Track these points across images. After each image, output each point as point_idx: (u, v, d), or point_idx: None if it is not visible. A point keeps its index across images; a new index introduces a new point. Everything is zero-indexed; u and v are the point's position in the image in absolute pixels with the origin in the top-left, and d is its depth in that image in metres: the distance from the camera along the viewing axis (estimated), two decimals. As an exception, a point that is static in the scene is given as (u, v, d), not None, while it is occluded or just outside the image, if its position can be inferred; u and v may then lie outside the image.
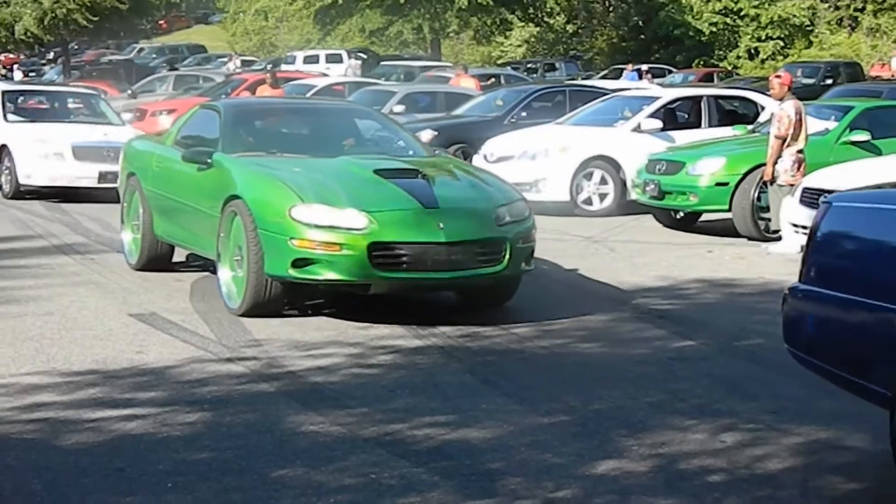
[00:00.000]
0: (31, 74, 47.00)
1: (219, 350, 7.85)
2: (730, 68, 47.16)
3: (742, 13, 49.68)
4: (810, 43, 49.80)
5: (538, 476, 5.49)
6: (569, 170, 15.73)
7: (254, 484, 5.34)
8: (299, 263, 8.41)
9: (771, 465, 5.74)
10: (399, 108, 20.08)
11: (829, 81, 34.79)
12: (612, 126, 16.47)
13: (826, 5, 50.16)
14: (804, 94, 18.02)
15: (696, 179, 13.77)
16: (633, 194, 15.07)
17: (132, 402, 6.62)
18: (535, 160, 15.80)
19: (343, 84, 26.76)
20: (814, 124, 13.53)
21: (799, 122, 12.53)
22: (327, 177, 8.92)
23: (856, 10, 49.54)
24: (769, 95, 14.64)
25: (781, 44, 49.65)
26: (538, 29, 55.88)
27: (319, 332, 8.42)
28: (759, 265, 11.81)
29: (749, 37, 49.83)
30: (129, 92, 30.54)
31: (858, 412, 6.65)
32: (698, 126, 16.64)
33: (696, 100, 17.15)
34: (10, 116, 17.76)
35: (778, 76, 13.26)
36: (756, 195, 13.35)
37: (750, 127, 15.51)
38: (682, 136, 15.95)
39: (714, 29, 49.84)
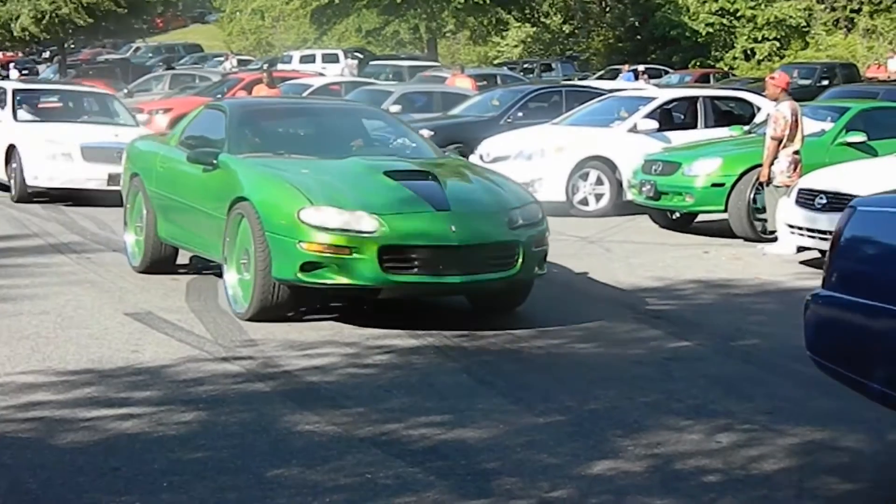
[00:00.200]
0: (23, 73, 46.93)
1: (214, 349, 7.85)
2: (726, 69, 47.21)
3: (738, 14, 49.74)
4: (806, 44, 49.86)
5: (534, 476, 5.50)
6: (565, 170, 15.74)
7: (249, 483, 5.34)
8: (308, 267, 8.21)
9: (766, 465, 5.74)
10: (395, 108, 20.06)
11: (826, 82, 34.87)
12: (609, 126, 16.48)
13: (822, 6, 50.22)
14: (800, 95, 18.03)
15: (692, 180, 13.78)
16: (630, 195, 15.08)
17: (128, 401, 6.62)
18: (531, 160, 15.81)
19: (339, 84, 26.77)
20: (810, 125, 13.54)
21: (795, 123, 12.53)
22: (336, 178, 8.74)
23: (852, 11, 49.61)
24: (765, 96, 14.65)
25: (778, 45, 49.72)
26: (535, 29, 55.92)
27: (315, 332, 8.42)
28: (755, 266, 11.82)
29: (745, 38, 49.89)
30: (126, 91, 30.52)
31: (853, 413, 6.66)
32: (694, 127, 16.65)
33: (693, 100, 17.16)
34: (21, 115, 17.25)
35: (772, 77, 13.26)
36: (752, 196, 13.37)
37: (746, 128, 15.52)
38: (679, 137, 15.96)
39: (710, 30, 49.90)
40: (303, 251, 8.20)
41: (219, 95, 26.01)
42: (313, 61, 46.99)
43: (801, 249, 12.01)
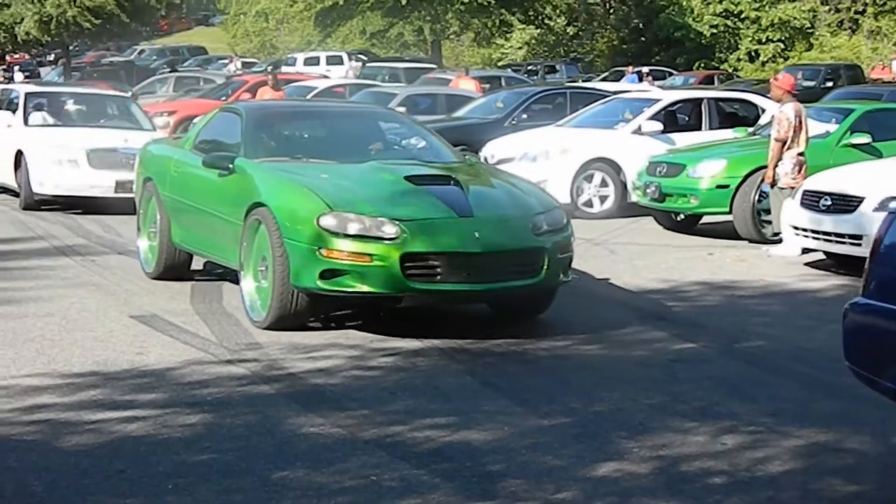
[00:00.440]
0: (26, 75, 47.01)
1: (219, 352, 7.85)
2: (730, 71, 47.20)
3: (742, 16, 49.74)
4: (811, 45, 49.86)
5: (539, 478, 5.50)
6: (569, 172, 15.73)
7: (254, 486, 5.34)
8: (328, 275, 8.02)
9: (771, 467, 5.74)
10: (400, 111, 20.06)
11: (830, 84, 34.86)
12: (613, 128, 16.48)
13: (826, 8, 50.21)
14: (805, 96, 18.02)
15: (696, 182, 13.77)
16: (634, 196, 15.08)
17: (133, 403, 6.63)
18: (536, 162, 15.80)
19: (344, 86, 26.78)
20: (814, 127, 13.53)
21: (799, 125, 12.52)
22: (356, 183, 8.53)
23: (856, 12, 49.60)
24: (770, 98, 14.65)
25: (782, 46, 49.72)
26: (539, 31, 55.92)
27: (319, 334, 8.41)
28: (760, 267, 11.82)
29: (749, 39, 49.89)
30: (130, 93, 30.53)
31: (858, 415, 6.66)
32: (699, 128, 16.64)
33: (697, 102, 17.15)
34: (32, 120, 16.69)
35: (776, 79, 13.26)
36: (756, 198, 13.36)
37: (750, 129, 15.52)
38: (683, 139, 15.94)
39: (714, 31, 49.90)
40: (322, 258, 8.01)
41: (223, 98, 26.08)
42: (317, 63, 47.02)
43: (805, 251, 12.00)
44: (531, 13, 50.40)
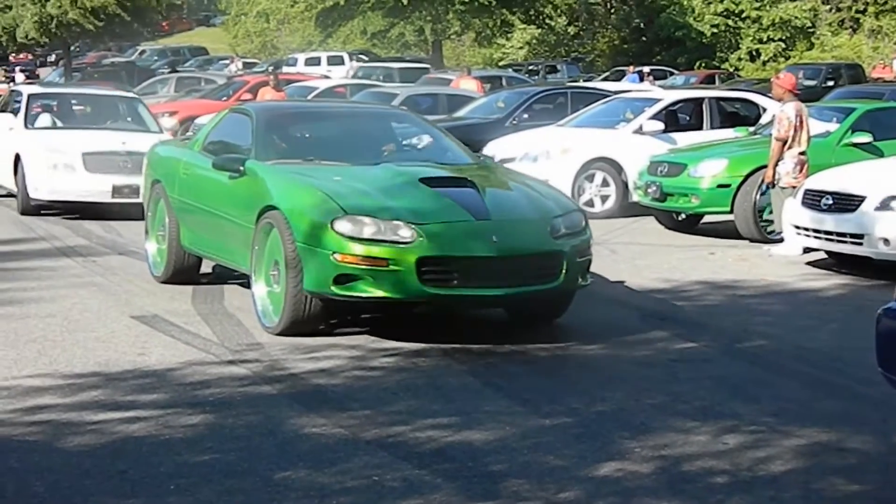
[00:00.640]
0: (24, 76, 47.05)
1: (221, 352, 7.85)
2: (731, 70, 47.20)
3: (743, 15, 49.74)
4: (812, 45, 49.86)
5: (541, 478, 5.50)
6: (570, 172, 15.73)
7: (256, 486, 5.34)
8: (342, 280, 7.82)
9: (773, 467, 5.74)
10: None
11: (831, 83, 34.85)
12: (614, 128, 16.47)
13: (827, 7, 50.21)
14: (806, 95, 18.03)
15: (697, 181, 13.77)
16: (635, 196, 15.08)
17: (134, 404, 6.63)
18: (537, 162, 15.80)
19: (345, 86, 26.79)
20: (815, 126, 13.53)
21: (800, 124, 12.52)
22: (370, 186, 8.33)
23: (857, 11, 49.61)
24: (771, 97, 14.65)
25: (783, 46, 49.72)
26: (540, 31, 55.92)
27: (320, 335, 8.40)
28: (761, 267, 11.82)
29: (750, 39, 49.89)
30: (131, 94, 30.52)
31: (859, 414, 6.66)
32: (700, 128, 16.64)
33: (698, 102, 17.15)
34: (35, 122, 16.16)
35: (777, 78, 13.27)
36: (758, 197, 13.36)
37: (751, 129, 15.52)
38: (684, 138, 15.94)
39: (715, 31, 49.90)
40: (337, 263, 7.81)
41: (224, 98, 26.09)
42: (318, 64, 47.05)
43: (807, 250, 12.00)
44: (532, 13, 50.40)
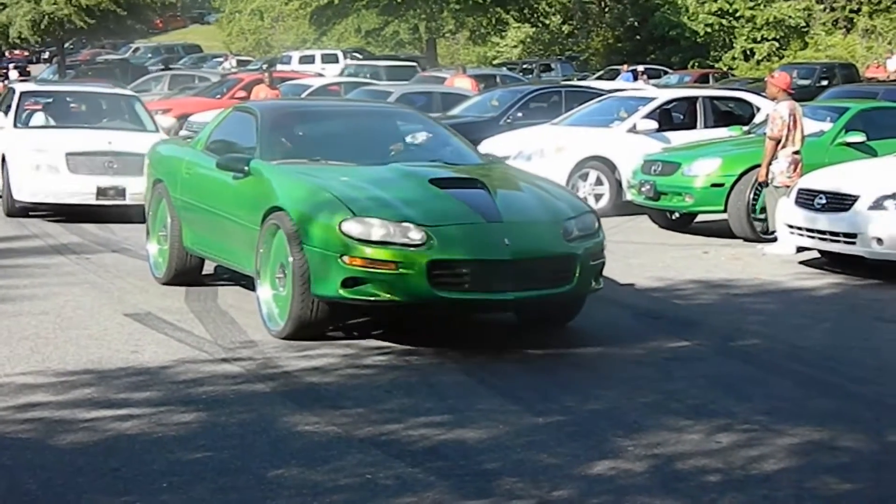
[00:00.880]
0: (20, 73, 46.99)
1: (214, 350, 7.85)
2: (725, 69, 47.23)
3: (737, 14, 49.77)
4: (806, 44, 49.90)
5: (534, 476, 5.50)
6: (564, 170, 15.74)
7: (249, 484, 5.34)
8: (350, 283, 7.63)
9: (766, 465, 5.75)
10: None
11: (825, 83, 34.88)
12: (608, 127, 16.48)
13: (821, 6, 50.25)
14: (800, 95, 18.02)
15: (691, 180, 13.78)
16: (629, 195, 15.09)
17: (127, 401, 6.62)
18: (531, 161, 15.80)
19: (339, 84, 26.78)
20: (809, 126, 13.54)
21: (794, 124, 12.53)
22: (378, 187, 8.13)
23: (851, 11, 49.65)
24: (765, 96, 14.67)
25: (777, 45, 49.75)
26: (534, 29, 55.93)
27: (315, 333, 8.40)
28: (755, 266, 11.83)
29: (744, 38, 49.92)
30: (128, 92, 30.47)
31: (852, 413, 6.67)
32: (694, 127, 16.66)
33: (692, 101, 17.16)
34: (25, 121, 15.72)
35: (772, 77, 13.28)
36: (752, 196, 13.37)
37: (745, 128, 15.53)
38: (678, 137, 15.96)
39: (709, 30, 49.93)
40: (345, 266, 7.62)
41: (218, 96, 26.07)
42: (313, 62, 47.03)
43: (800, 249, 12.01)
44: (526, 11, 50.41)
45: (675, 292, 10.35)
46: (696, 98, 17.21)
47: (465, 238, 7.73)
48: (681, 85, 33.68)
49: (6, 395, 6.68)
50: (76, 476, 5.40)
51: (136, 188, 13.79)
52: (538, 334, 8.52)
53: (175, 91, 29.64)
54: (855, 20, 49.70)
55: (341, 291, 7.69)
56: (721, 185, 13.60)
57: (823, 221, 11.30)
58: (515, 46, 59.11)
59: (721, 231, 13.84)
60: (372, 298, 7.67)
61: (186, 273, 10.00)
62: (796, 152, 12.55)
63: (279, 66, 41.75)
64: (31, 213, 14.81)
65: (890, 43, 47.07)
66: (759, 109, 16.82)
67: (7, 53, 58.17)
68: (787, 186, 12.27)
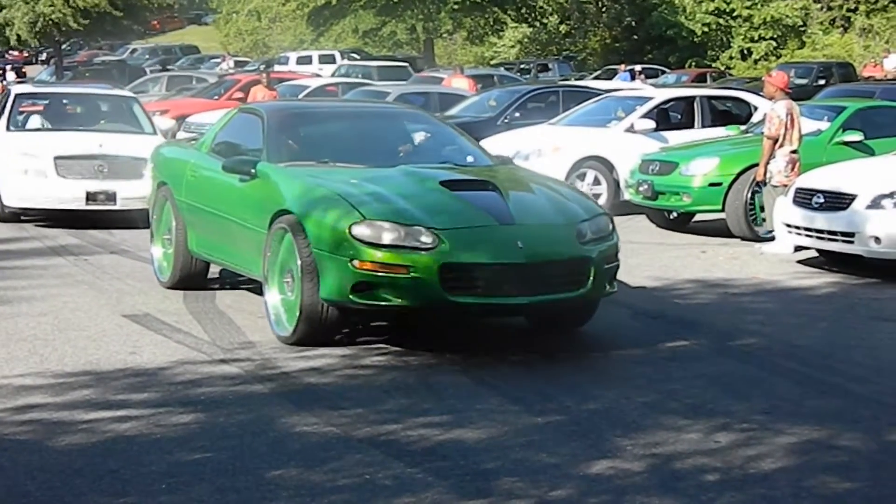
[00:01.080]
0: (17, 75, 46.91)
1: (212, 351, 7.85)
2: (723, 69, 47.24)
3: (735, 14, 49.78)
4: (803, 43, 49.92)
5: (533, 476, 5.50)
6: (562, 170, 15.72)
7: (248, 485, 5.34)
8: (361, 287, 7.49)
9: (764, 464, 5.75)
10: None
11: (822, 82, 34.89)
12: (606, 126, 16.49)
13: (819, 6, 50.28)
14: (797, 94, 18.04)
15: (689, 180, 13.78)
16: (627, 195, 15.09)
17: (126, 403, 6.62)
18: (529, 161, 15.78)
19: (336, 85, 26.78)
20: (806, 125, 13.54)
21: (791, 123, 12.53)
22: (388, 189, 7.98)
23: (848, 10, 49.69)
24: (763, 95, 14.67)
25: (774, 44, 49.76)
26: (531, 29, 55.94)
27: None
28: (753, 265, 11.83)
29: (742, 37, 49.94)
30: (126, 93, 30.44)
31: (851, 412, 6.67)
32: (691, 126, 16.66)
33: (689, 100, 17.16)
34: (20, 123, 15.34)
35: (770, 76, 13.29)
36: (749, 195, 13.38)
37: (743, 127, 15.54)
38: (676, 137, 15.96)
39: (707, 29, 49.93)
40: (355, 270, 7.47)
41: (216, 97, 26.06)
42: (310, 62, 47.01)
43: (798, 249, 12.02)
44: (524, 11, 50.41)
45: (674, 292, 10.35)
46: (694, 97, 17.21)
47: (477, 241, 7.59)
48: (678, 84, 33.70)
49: (4, 396, 6.68)
50: (74, 477, 5.40)
51: (127, 192, 13.75)
52: (536, 335, 8.52)
53: (173, 92, 29.63)
54: (852, 19, 49.73)
55: (351, 296, 7.55)
56: (719, 184, 13.60)
57: (821, 220, 11.30)
58: (513, 46, 59.10)
59: (719, 230, 13.84)
60: (383, 303, 7.54)
61: (192, 277, 9.85)
62: (794, 151, 12.55)
63: (276, 67, 41.74)
64: (22, 219, 14.45)
65: (887, 42, 47.10)
66: (756, 109, 16.82)
67: (6, 55, 58.17)
68: (785, 186, 12.27)
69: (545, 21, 54.35)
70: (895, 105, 16.45)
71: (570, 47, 57.50)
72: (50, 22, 45.25)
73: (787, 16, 49.35)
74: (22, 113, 15.64)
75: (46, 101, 16.40)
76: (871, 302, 9.95)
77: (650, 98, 17.02)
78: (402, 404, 6.67)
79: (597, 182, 15.91)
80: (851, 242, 11.04)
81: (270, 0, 63.72)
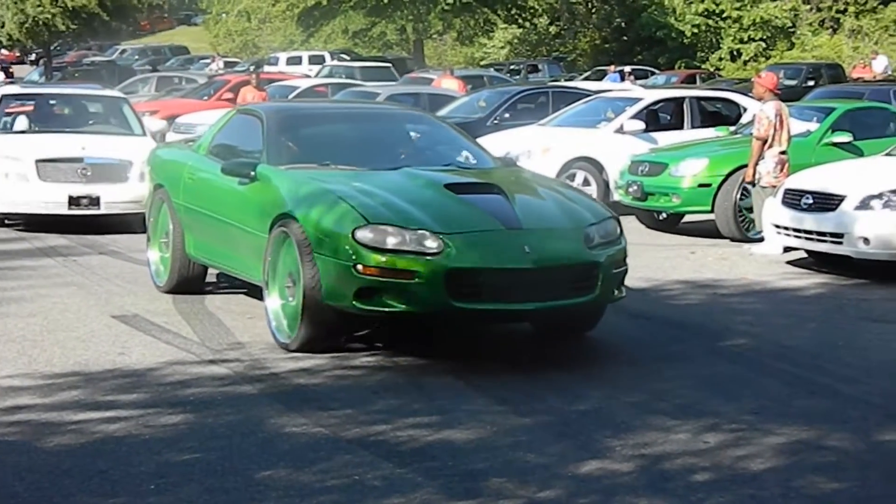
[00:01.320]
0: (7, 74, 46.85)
1: (201, 352, 7.84)
2: (712, 70, 47.29)
3: (724, 15, 49.82)
4: (792, 45, 49.98)
5: (522, 476, 5.50)
6: (552, 171, 15.70)
7: (237, 485, 5.34)
8: (364, 293, 7.33)
9: (753, 465, 5.76)
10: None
11: (812, 83, 34.93)
12: (595, 127, 16.50)
13: (808, 7, 50.36)
14: (786, 95, 18.06)
15: (678, 181, 13.80)
16: (616, 195, 15.10)
17: (114, 403, 6.61)
18: (518, 162, 15.79)
19: (326, 85, 26.78)
20: (796, 126, 13.57)
21: (780, 124, 12.56)
22: (392, 193, 7.82)
23: (837, 11, 49.76)
24: (752, 96, 14.70)
25: (763, 45, 49.81)
26: (521, 30, 55.95)
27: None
28: (742, 266, 11.85)
29: (731, 38, 49.98)
30: (116, 94, 30.38)
31: (839, 412, 6.69)
32: (681, 127, 16.68)
33: (679, 101, 17.18)
34: (7, 125, 14.96)
35: (759, 77, 13.32)
36: (738, 196, 13.40)
37: (732, 128, 15.56)
38: (665, 138, 15.98)
39: (696, 31, 49.96)
40: (359, 275, 7.31)
41: (206, 97, 26.04)
42: (300, 63, 46.97)
43: (787, 249, 12.04)
44: (514, 12, 50.43)
45: (663, 292, 10.36)
46: (683, 99, 17.23)
47: (483, 246, 7.43)
48: (668, 85, 33.71)
49: (-7, 397, 6.67)
50: (63, 478, 5.39)
51: (112, 196, 13.42)
52: (525, 336, 8.53)
53: (162, 93, 29.59)
54: (841, 20, 49.81)
55: (355, 302, 7.39)
56: (708, 185, 13.62)
57: (810, 221, 11.33)
58: (503, 47, 59.09)
59: (708, 231, 13.86)
60: (387, 309, 7.37)
61: (189, 281, 9.70)
62: (783, 152, 12.57)
63: (266, 68, 41.70)
64: (7, 222, 14.12)
65: (876, 43, 47.19)
66: (745, 110, 16.85)
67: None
68: (774, 186, 12.30)
69: (535, 22, 54.35)
70: (884, 106, 16.55)
71: (559, 48, 57.50)
72: (39, 22, 45.13)
73: (777, 17, 49.41)
74: (10, 114, 15.36)
75: (34, 102, 16.07)
76: (860, 302, 9.98)
77: (640, 99, 17.04)
78: (391, 405, 6.67)
79: (586, 183, 15.91)
80: (840, 243, 11.06)
81: (260, 1, 63.57)
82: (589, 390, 7.05)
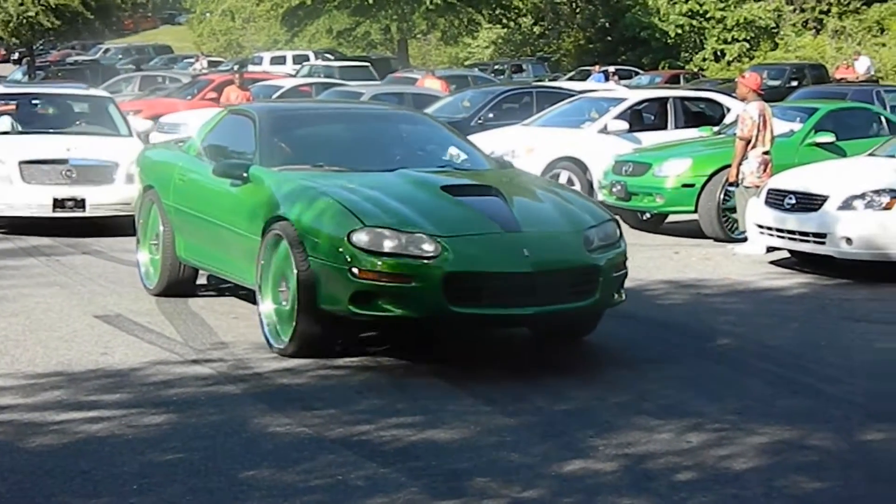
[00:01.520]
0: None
1: (185, 352, 7.82)
2: (696, 70, 47.39)
3: (708, 15, 49.92)
4: (776, 45, 50.10)
5: (506, 476, 5.51)
6: (536, 171, 15.69)
7: (221, 485, 5.33)
8: (360, 297, 7.21)
9: (736, 464, 5.77)
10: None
11: (795, 83, 35.03)
12: (579, 127, 16.51)
13: (791, 8, 50.50)
14: (770, 95, 18.15)
15: (662, 181, 13.83)
16: (600, 195, 15.11)
17: (97, 404, 6.59)
18: (504, 162, 15.81)
19: (310, 85, 26.75)
20: (779, 126, 13.62)
21: (763, 124, 12.59)
22: (388, 195, 7.68)
23: (821, 12, 49.89)
24: (735, 97, 14.74)
25: (747, 46, 49.91)
26: (505, 30, 55.98)
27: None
28: (726, 266, 11.88)
29: (715, 39, 50.08)
30: (101, 93, 30.30)
31: (822, 412, 6.71)
32: (664, 128, 16.71)
33: (663, 101, 17.21)
34: None
35: (743, 77, 13.36)
36: (722, 196, 13.44)
37: (716, 128, 15.60)
38: (649, 138, 16.00)
39: (680, 31, 50.05)
40: (355, 279, 7.18)
41: (189, 97, 25.99)
42: (284, 63, 46.91)
43: (770, 249, 12.08)
44: (498, 12, 50.44)
45: (646, 293, 10.37)
46: (667, 99, 17.26)
47: (481, 249, 7.31)
48: (652, 86, 33.76)
49: (-25, 397, 6.64)
50: (45, 478, 5.37)
51: (97, 199, 13.20)
52: (509, 336, 8.53)
53: (146, 92, 29.52)
54: (824, 21, 49.95)
55: (351, 307, 7.27)
56: (692, 185, 13.65)
57: (793, 221, 11.36)
58: (487, 47, 59.09)
59: (692, 231, 13.90)
60: (384, 314, 7.25)
61: (180, 284, 9.56)
62: (766, 153, 12.61)
63: (250, 67, 41.65)
64: None
65: (859, 44, 47.33)
66: (729, 110, 16.88)
67: None
68: (757, 187, 12.33)
69: (519, 22, 54.38)
70: (867, 107, 16.61)
71: (544, 48, 57.54)
72: (23, 21, 45.00)
73: (760, 17, 49.53)
74: None
75: (17, 102, 15.84)
76: (843, 302, 10.01)
77: (624, 99, 17.06)
78: (374, 405, 6.67)
79: (570, 183, 15.91)
80: (823, 243, 11.10)
81: (244, 0, 63.45)
82: (573, 390, 7.06)
